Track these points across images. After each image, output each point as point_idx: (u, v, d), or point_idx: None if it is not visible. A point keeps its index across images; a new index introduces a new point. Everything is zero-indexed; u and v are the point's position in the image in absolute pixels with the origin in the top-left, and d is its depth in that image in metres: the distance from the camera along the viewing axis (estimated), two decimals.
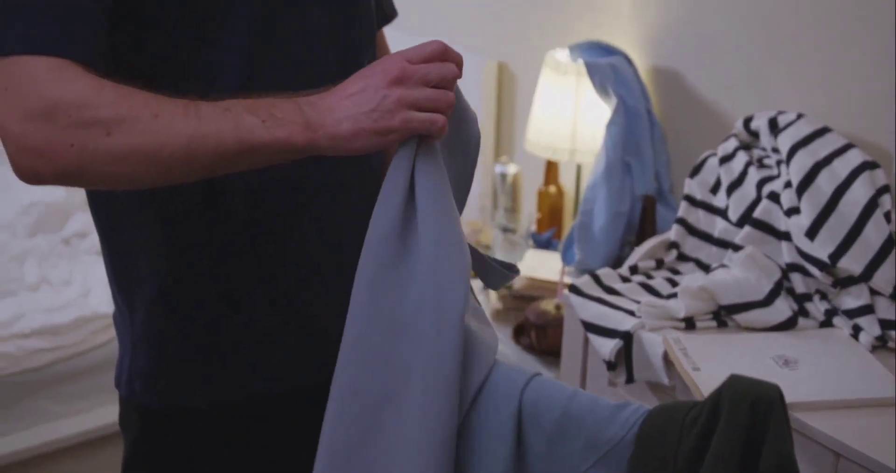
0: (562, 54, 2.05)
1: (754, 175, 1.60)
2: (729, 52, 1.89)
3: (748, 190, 1.60)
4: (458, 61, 0.91)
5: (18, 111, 0.82)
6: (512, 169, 2.33)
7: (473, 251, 0.97)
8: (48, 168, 0.83)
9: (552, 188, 2.26)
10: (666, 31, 2.01)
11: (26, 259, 2.36)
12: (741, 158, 1.64)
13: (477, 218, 2.44)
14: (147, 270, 1.03)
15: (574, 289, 1.56)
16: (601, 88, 1.94)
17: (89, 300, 2.23)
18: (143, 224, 1.02)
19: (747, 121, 1.67)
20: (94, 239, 2.48)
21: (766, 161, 1.63)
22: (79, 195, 2.66)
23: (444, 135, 0.90)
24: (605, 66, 1.93)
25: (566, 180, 2.26)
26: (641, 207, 1.89)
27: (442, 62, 0.89)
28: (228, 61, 0.96)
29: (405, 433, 0.90)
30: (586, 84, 1.95)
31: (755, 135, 1.66)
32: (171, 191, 0.93)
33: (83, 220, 2.54)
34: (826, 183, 1.48)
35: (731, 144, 1.68)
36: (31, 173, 0.84)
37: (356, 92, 0.86)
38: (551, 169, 2.25)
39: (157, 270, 1.03)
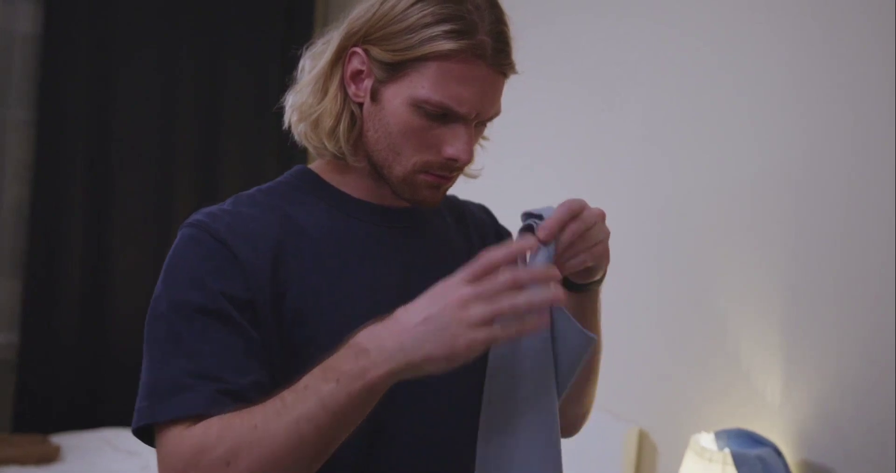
0: (707, 439, 1.98)
1: None
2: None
3: None
4: (528, 281, 0.88)
5: None
6: None
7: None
8: None
9: None
10: (819, 422, 1.92)
11: None
12: None
13: None
14: None
15: None
16: None
17: None
18: None
19: None
20: None
21: None
22: None
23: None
24: (753, 458, 1.85)
25: None
26: None
27: (511, 292, 0.87)
28: None
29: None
30: None
31: None
32: None
33: None
34: None
35: None
36: None
37: (420, 320, 0.86)
38: None
39: None
